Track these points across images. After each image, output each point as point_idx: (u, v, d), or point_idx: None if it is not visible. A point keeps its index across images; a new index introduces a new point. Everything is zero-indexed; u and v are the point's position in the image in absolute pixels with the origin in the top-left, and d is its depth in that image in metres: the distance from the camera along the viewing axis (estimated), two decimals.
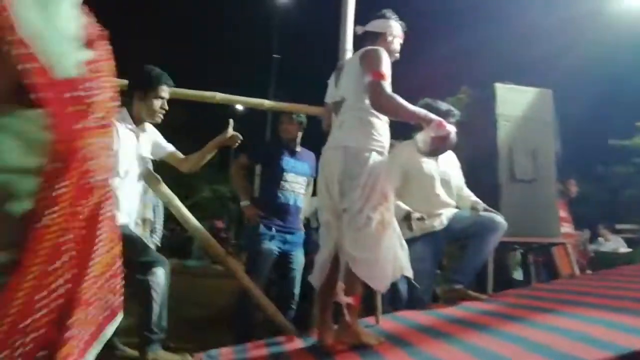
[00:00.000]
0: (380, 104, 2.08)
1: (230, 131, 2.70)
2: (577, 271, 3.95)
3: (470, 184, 3.37)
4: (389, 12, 2.39)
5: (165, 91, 2.48)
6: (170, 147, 2.69)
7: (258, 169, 3.81)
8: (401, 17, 2.46)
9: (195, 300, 5.48)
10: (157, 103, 2.46)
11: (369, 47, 2.21)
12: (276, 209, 3.21)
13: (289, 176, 3.25)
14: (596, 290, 2.70)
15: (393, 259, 2.11)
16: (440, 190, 3.05)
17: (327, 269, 2.19)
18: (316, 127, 3.35)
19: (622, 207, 9.41)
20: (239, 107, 15.66)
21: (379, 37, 2.34)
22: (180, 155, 2.75)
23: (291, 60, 15.71)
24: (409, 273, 2.21)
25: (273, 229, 3.17)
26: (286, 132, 3.34)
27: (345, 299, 2.02)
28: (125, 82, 2.49)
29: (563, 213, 4.50)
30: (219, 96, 2.99)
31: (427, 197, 3.01)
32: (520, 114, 3.84)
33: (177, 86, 2.61)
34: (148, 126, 2.56)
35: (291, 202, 3.27)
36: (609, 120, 11.95)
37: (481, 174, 4.01)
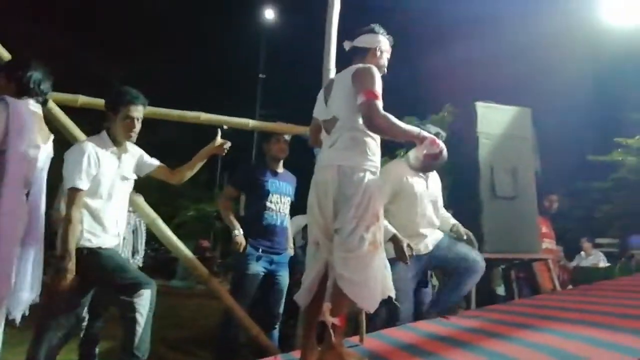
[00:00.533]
0: (375, 124, 2.05)
1: (219, 140, 2.74)
2: (558, 286, 4.01)
3: (452, 200, 3.42)
4: (377, 27, 2.36)
5: (136, 110, 2.46)
6: (156, 162, 2.69)
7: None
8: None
9: (179, 321, 5.42)
10: (131, 123, 2.46)
11: (361, 66, 2.17)
12: (263, 230, 3.21)
13: (274, 197, 3.27)
14: (576, 305, 2.75)
15: (382, 279, 2.10)
16: (428, 210, 3.06)
17: (315, 289, 2.16)
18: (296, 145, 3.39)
19: (601, 221, 9.58)
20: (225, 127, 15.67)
21: (367, 53, 2.30)
22: (168, 169, 2.74)
23: (277, 79, 15.81)
24: (393, 293, 2.20)
25: (260, 249, 3.17)
26: (282, 152, 3.36)
27: (331, 319, 1.98)
28: (102, 102, 2.51)
29: (545, 229, 4.56)
30: (204, 116, 3.01)
31: (414, 217, 3.00)
32: (500, 132, 3.93)
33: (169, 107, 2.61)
34: (130, 145, 2.56)
35: (277, 223, 3.27)
36: (587, 137, 12.23)
37: (463, 191, 4.08)
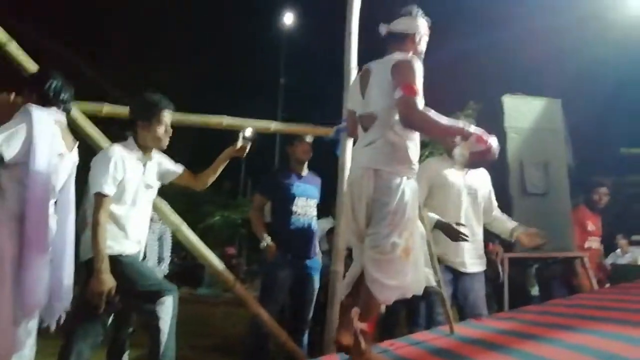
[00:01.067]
0: (412, 121, 1.96)
1: (240, 142, 2.71)
2: (595, 285, 3.84)
3: None
4: (414, 9, 2.21)
5: (167, 116, 2.48)
6: (180, 168, 2.69)
7: None
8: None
9: (206, 329, 5.43)
10: (161, 129, 2.46)
11: (401, 58, 2.05)
12: (291, 235, 3.18)
13: (299, 201, 3.24)
14: (616, 304, 2.62)
15: (409, 283, 2.07)
16: (466, 202, 2.98)
17: (350, 288, 2.15)
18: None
19: (637, 218, 9.22)
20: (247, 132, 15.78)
21: (406, 39, 2.17)
22: (192, 174, 2.74)
23: (297, 82, 15.85)
24: (420, 292, 2.16)
25: (289, 255, 3.13)
26: (305, 154, 3.33)
27: (359, 325, 1.94)
28: (127, 110, 2.52)
29: (592, 225, 4.27)
30: (227, 121, 3.00)
31: (450, 208, 2.92)
32: (529, 125, 3.78)
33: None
34: (155, 152, 2.56)
35: (305, 226, 3.24)
36: (620, 128, 11.80)
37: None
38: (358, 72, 2.34)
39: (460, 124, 2.04)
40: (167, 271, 4.24)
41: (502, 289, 3.43)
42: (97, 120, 2.81)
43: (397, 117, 2.00)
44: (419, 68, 2.01)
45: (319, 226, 4.41)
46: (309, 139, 3.32)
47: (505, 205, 3.63)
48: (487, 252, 3.40)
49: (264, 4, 16.39)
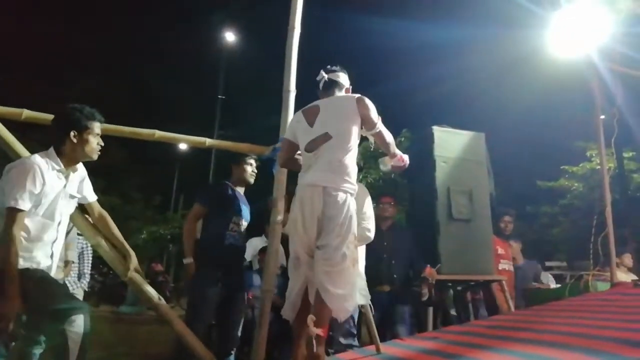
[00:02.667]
0: (388, 143, 2.48)
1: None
2: (512, 307, 4.07)
3: (411, 222, 3.44)
4: (343, 69, 2.70)
5: (99, 127, 2.39)
6: (93, 198, 2.55)
7: None
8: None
9: (129, 350, 5.14)
10: (94, 141, 2.36)
11: (362, 96, 2.46)
12: (224, 251, 3.11)
13: (237, 219, 3.20)
14: (530, 325, 2.79)
15: (356, 292, 2.33)
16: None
17: (299, 304, 2.32)
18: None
19: (549, 245, 9.97)
20: (182, 146, 15.46)
21: (343, 89, 2.63)
22: (100, 209, 2.59)
23: (236, 100, 15.78)
24: (363, 301, 2.46)
25: (219, 271, 3.06)
26: (252, 177, 3.33)
27: (315, 330, 2.09)
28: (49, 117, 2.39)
29: (501, 250, 4.63)
30: (158, 134, 2.91)
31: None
32: (456, 155, 4.02)
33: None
34: (80, 166, 2.43)
35: (239, 244, 3.20)
36: (537, 163, 12.80)
37: (421, 213, 4.13)
38: (296, 96, 2.79)
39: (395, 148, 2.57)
40: (87, 288, 4.00)
41: (426, 310, 3.56)
42: (16, 126, 2.64)
43: (350, 143, 2.35)
44: (372, 104, 2.46)
45: (252, 245, 4.33)
46: (254, 161, 3.31)
47: (432, 229, 3.80)
48: (422, 275, 3.56)
49: (206, 22, 16.31)
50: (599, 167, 5.49)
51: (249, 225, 3.36)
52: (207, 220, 3.25)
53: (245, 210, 3.30)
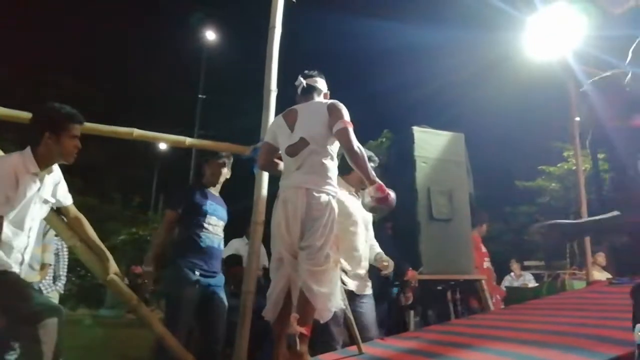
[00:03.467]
0: (354, 146, 2.31)
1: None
2: (491, 306, 4.12)
3: (391, 223, 3.45)
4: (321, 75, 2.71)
5: (78, 129, 2.33)
6: (69, 201, 2.48)
7: None
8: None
9: (108, 353, 5.07)
10: (72, 143, 2.29)
11: (334, 101, 2.49)
12: (200, 252, 3.07)
13: (211, 219, 3.16)
14: (509, 324, 2.83)
15: (339, 293, 2.35)
16: (362, 231, 3.04)
17: (281, 303, 2.35)
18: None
19: (527, 244, 10.13)
20: (162, 146, 15.25)
21: (321, 94, 2.66)
22: (76, 212, 2.52)
23: (216, 100, 15.64)
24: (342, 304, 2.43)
25: (197, 272, 3.02)
26: (223, 176, 3.27)
27: (298, 329, 2.11)
28: (28, 115, 2.32)
29: (484, 248, 4.68)
30: (137, 132, 2.86)
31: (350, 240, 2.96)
32: (436, 155, 4.06)
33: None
34: (56, 168, 2.37)
35: (215, 245, 3.16)
36: (516, 163, 13.01)
37: (401, 213, 4.14)
38: (277, 97, 2.79)
39: (372, 170, 2.39)
40: (63, 291, 3.91)
41: (407, 310, 3.57)
42: None
43: (329, 146, 2.40)
44: (345, 109, 2.46)
45: (232, 246, 4.29)
46: (223, 159, 3.24)
47: (413, 229, 3.82)
48: (405, 278, 3.55)
49: (187, 19, 16.14)
50: (575, 167, 5.61)
51: (228, 226, 3.33)
52: (180, 224, 3.21)
53: (220, 210, 3.25)
